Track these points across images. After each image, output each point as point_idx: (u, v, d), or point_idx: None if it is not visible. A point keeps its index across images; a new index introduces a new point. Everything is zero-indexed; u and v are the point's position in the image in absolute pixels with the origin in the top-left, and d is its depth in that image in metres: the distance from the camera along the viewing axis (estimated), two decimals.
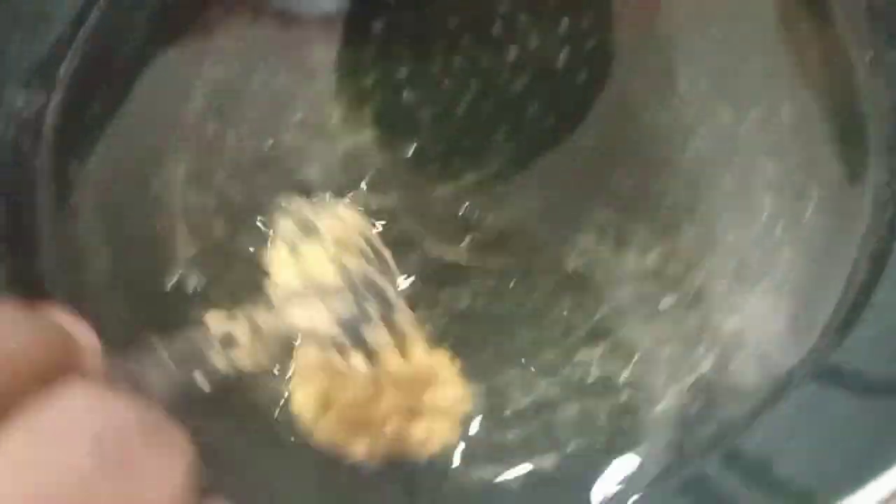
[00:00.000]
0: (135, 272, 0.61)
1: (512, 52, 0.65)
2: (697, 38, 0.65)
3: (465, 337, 0.58)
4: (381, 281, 0.49)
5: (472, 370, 0.56)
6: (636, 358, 0.57)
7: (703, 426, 0.56)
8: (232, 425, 0.56)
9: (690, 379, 0.57)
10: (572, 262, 0.59)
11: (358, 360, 0.48)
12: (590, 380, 0.57)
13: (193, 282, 0.60)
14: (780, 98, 0.63)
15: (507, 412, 0.56)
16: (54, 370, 0.28)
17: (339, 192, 0.61)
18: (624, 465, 0.55)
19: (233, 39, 0.66)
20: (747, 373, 0.57)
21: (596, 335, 0.58)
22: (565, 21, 0.66)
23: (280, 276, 0.48)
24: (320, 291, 0.47)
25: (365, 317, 0.47)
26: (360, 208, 0.60)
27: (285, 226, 0.50)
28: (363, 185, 0.61)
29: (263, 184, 0.62)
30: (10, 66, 0.64)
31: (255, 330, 0.43)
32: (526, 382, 0.57)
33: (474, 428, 0.56)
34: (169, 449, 0.28)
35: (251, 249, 0.60)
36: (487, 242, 0.60)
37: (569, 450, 0.55)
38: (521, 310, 0.59)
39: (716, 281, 0.59)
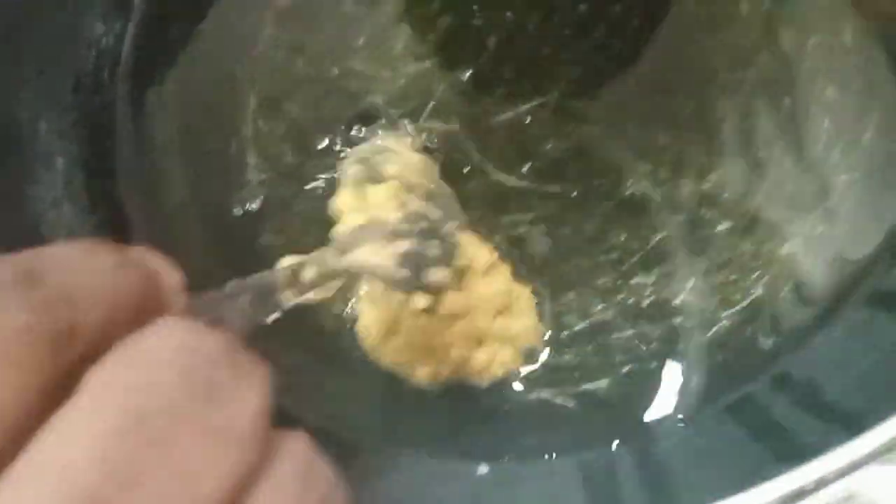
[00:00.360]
0: (209, 196, 0.63)
1: None
2: None
3: (523, 260, 0.59)
4: (445, 223, 0.50)
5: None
6: (690, 284, 0.59)
7: (754, 349, 0.57)
8: (299, 346, 0.59)
9: (743, 304, 0.58)
10: (630, 188, 0.61)
11: (420, 299, 0.50)
12: (644, 304, 0.59)
13: (263, 206, 0.62)
14: (842, 21, 0.63)
15: (564, 335, 0.58)
16: (145, 308, 0.31)
17: (404, 118, 0.63)
18: (675, 388, 0.57)
19: None
20: (800, 297, 0.58)
21: (651, 260, 0.59)
22: None
23: (347, 217, 0.50)
24: (385, 232, 0.48)
25: (427, 258, 0.49)
26: (423, 134, 0.62)
27: (354, 170, 0.52)
28: (427, 112, 0.63)
29: (330, 110, 0.64)
30: None
31: (324, 270, 0.45)
32: (582, 306, 0.59)
33: (542, 358, 0.58)
34: (251, 379, 0.30)
35: (321, 183, 0.62)
36: (547, 168, 0.62)
37: (623, 372, 0.57)
38: (578, 235, 0.60)
39: (771, 206, 0.60)
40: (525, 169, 0.61)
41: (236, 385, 0.29)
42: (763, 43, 0.63)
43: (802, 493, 0.42)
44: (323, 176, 0.62)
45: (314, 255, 0.46)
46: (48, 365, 0.26)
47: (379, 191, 0.51)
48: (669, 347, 0.58)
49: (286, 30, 0.66)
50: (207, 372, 0.28)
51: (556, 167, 0.61)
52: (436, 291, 0.50)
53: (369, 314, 0.57)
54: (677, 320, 0.58)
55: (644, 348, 0.58)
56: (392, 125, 0.62)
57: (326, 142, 0.63)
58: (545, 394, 0.57)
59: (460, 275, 0.52)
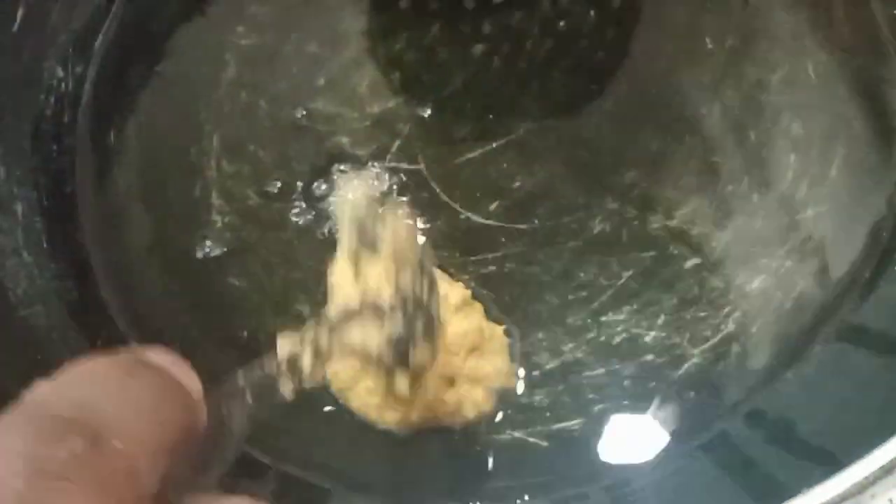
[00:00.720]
0: (172, 240, 0.62)
1: (540, 13, 0.65)
2: None
3: (493, 300, 0.59)
4: (430, 298, 0.49)
5: None
6: (661, 320, 0.58)
7: (726, 386, 0.57)
8: None
9: (714, 340, 0.58)
10: (599, 225, 0.60)
11: (402, 381, 0.49)
12: (615, 342, 0.58)
13: (227, 249, 0.62)
14: (805, 56, 0.64)
15: (535, 374, 0.58)
16: (181, 431, 0.31)
17: (370, 158, 0.62)
18: (648, 426, 0.56)
19: (265, 7, 0.67)
20: (771, 333, 0.58)
21: (621, 297, 0.59)
22: None
23: (340, 293, 0.49)
24: (376, 310, 0.48)
25: (413, 337, 0.48)
26: (387, 174, 0.62)
27: (352, 238, 0.51)
28: (393, 151, 0.62)
29: (295, 151, 0.63)
30: (49, 39, 0.65)
31: (318, 353, 0.44)
32: (553, 345, 0.58)
33: (514, 398, 0.57)
34: None
35: (287, 224, 0.61)
36: (515, 206, 0.61)
37: (595, 410, 0.57)
38: (548, 273, 0.60)
39: (740, 242, 0.60)
40: (493, 207, 0.61)
41: None
42: (728, 78, 0.63)
43: None
44: (292, 217, 0.62)
45: (308, 334, 0.45)
46: None
47: (375, 265, 0.50)
48: (641, 385, 0.57)
49: (249, 71, 0.65)
50: None
51: (524, 205, 0.61)
52: (419, 371, 0.49)
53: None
54: (648, 358, 0.58)
55: (616, 387, 0.57)
56: (358, 166, 0.62)
57: (291, 183, 0.62)
58: (517, 434, 0.56)
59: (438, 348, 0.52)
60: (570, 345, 0.58)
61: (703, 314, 0.58)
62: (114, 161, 0.64)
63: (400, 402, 0.54)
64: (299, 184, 0.62)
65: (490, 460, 0.56)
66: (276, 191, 0.62)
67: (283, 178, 0.63)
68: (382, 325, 0.47)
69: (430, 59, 0.65)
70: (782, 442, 0.54)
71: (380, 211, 0.50)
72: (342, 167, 0.62)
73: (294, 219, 0.62)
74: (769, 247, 0.60)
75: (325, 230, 0.61)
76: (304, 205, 0.62)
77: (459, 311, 0.56)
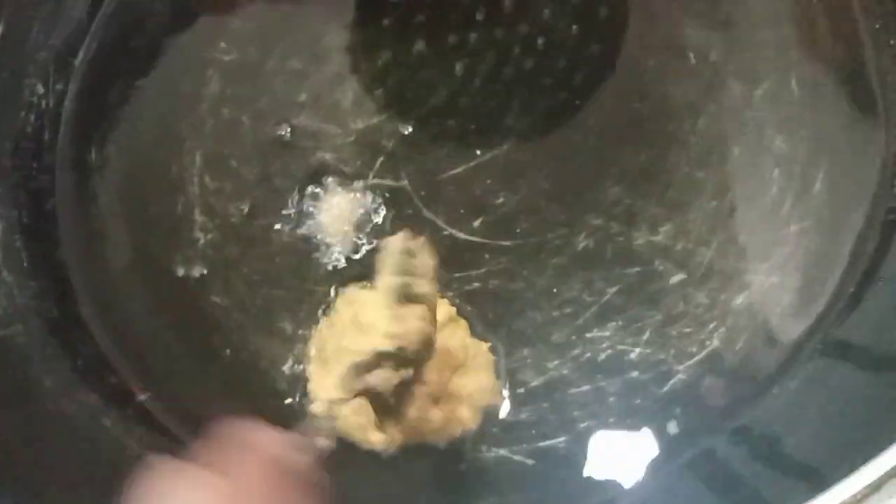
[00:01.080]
0: (154, 257, 0.62)
1: (523, 29, 0.65)
2: (707, 12, 0.65)
3: (477, 317, 0.59)
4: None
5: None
6: (646, 336, 0.58)
7: (712, 403, 0.57)
8: (250, 410, 0.58)
9: (700, 356, 0.58)
10: (583, 241, 0.60)
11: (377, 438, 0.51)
12: (600, 358, 0.58)
13: (210, 266, 0.61)
14: (789, 71, 0.63)
15: (521, 391, 0.57)
16: None
17: (353, 174, 0.62)
18: (634, 443, 0.56)
19: (247, 23, 0.67)
20: (756, 348, 0.58)
21: (606, 314, 0.59)
22: None
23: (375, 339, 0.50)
24: (400, 361, 0.50)
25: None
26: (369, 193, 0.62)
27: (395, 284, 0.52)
28: (377, 167, 0.62)
29: (279, 167, 0.63)
30: (30, 55, 0.64)
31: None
32: (538, 362, 0.58)
33: (499, 415, 0.57)
34: None
35: (269, 241, 0.61)
36: (498, 222, 0.61)
37: (580, 427, 0.56)
38: (532, 290, 0.59)
39: (724, 257, 0.60)
40: (476, 223, 0.61)
41: None
42: (711, 93, 0.63)
43: None
44: (275, 234, 0.61)
45: (342, 382, 0.50)
46: None
47: (413, 313, 0.51)
48: (626, 402, 0.57)
49: (231, 87, 0.65)
50: None
51: (508, 221, 0.61)
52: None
53: (319, 377, 0.56)
54: (633, 374, 0.57)
55: (601, 403, 0.57)
56: (341, 182, 0.62)
57: (274, 200, 0.62)
58: (503, 452, 0.56)
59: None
60: (556, 361, 0.58)
61: (688, 330, 0.58)
62: (95, 178, 0.64)
63: (385, 420, 0.54)
64: (282, 200, 0.62)
65: (476, 478, 0.56)
66: (258, 207, 0.62)
67: (266, 194, 0.62)
68: (398, 371, 0.50)
69: (413, 75, 0.65)
70: (768, 458, 0.54)
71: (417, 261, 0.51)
72: (326, 183, 0.62)
73: (277, 236, 0.61)
74: (753, 262, 0.60)
75: (309, 247, 0.61)
76: (287, 221, 0.61)
77: (444, 329, 0.56)
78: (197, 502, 0.35)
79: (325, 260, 0.60)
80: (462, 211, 0.61)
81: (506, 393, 0.57)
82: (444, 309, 0.57)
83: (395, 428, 0.54)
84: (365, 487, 0.57)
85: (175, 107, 0.65)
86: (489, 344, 0.58)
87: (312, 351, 0.58)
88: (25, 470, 0.53)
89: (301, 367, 0.58)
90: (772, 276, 0.59)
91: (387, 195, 0.62)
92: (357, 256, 0.60)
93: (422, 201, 0.61)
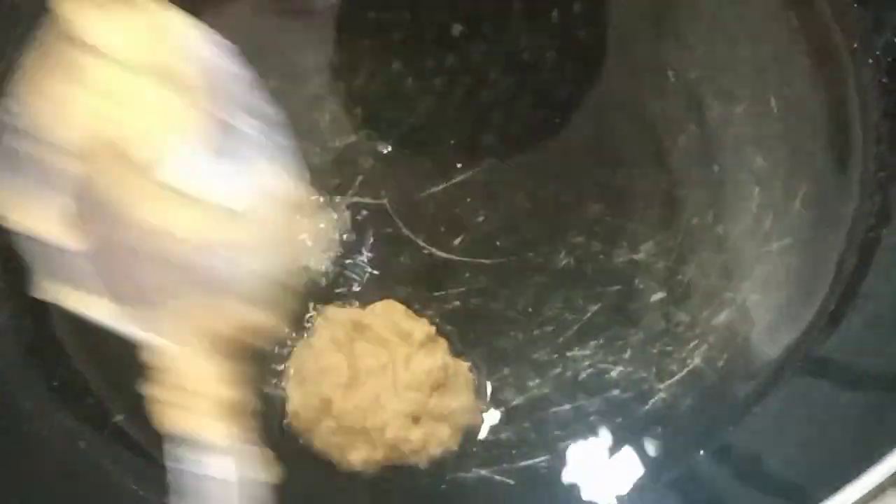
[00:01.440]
0: None
1: (502, 48, 0.65)
2: (687, 30, 0.65)
3: (457, 336, 0.58)
4: None
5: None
6: (627, 354, 0.58)
7: (694, 422, 0.57)
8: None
9: (681, 374, 0.57)
10: (563, 259, 0.60)
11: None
12: (581, 377, 0.57)
13: None
14: (768, 89, 0.64)
15: (501, 411, 0.57)
16: None
17: (332, 194, 0.62)
18: (615, 462, 0.56)
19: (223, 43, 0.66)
20: (737, 367, 0.58)
21: (587, 332, 0.59)
22: (555, 14, 0.66)
23: None
24: None
25: None
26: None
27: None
28: (355, 186, 0.62)
29: None
30: (3, 76, 0.64)
31: None
32: (519, 381, 0.57)
33: (480, 435, 0.57)
34: None
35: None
36: (478, 241, 0.61)
37: (561, 447, 0.56)
38: (512, 308, 0.59)
39: (705, 275, 0.60)
40: (456, 242, 0.61)
41: None
42: (691, 112, 0.63)
43: None
44: None
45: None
46: None
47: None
48: (608, 421, 0.57)
49: None
50: None
51: (488, 240, 0.61)
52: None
53: (298, 397, 0.55)
54: (615, 393, 0.57)
55: (582, 423, 0.56)
56: (320, 201, 0.61)
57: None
58: (484, 472, 0.55)
59: None
60: (536, 380, 0.57)
61: (669, 348, 0.58)
62: None
63: (364, 440, 0.53)
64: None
65: (457, 499, 0.55)
66: None
67: None
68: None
69: (391, 93, 0.65)
70: (751, 477, 0.54)
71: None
72: (304, 203, 0.62)
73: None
74: (734, 280, 0.60)
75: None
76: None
77: (423, 348, 0.55)
78: None
79: (304, 280, 0.60)
80: (442, 229, 0.61)
81: (486, 412, 0.57)
82: (423, 328, 0.56)
83: (374, 448, 0.54)
84: None
85: None
86: (469, 363, 0.57)
87: (291, 371, 0.57)
88: (1, 493, 0.52)
89: (279, 387, 0.57)
90: (752, 294, 0.59)
91: (366, 214, 0.61)
92: (335, 276, 0.60)
93: (401, 220, 0.61)
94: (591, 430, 0.56)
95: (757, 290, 0.59)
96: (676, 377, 0.57)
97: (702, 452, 0.56)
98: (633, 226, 0.61)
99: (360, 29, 0.66)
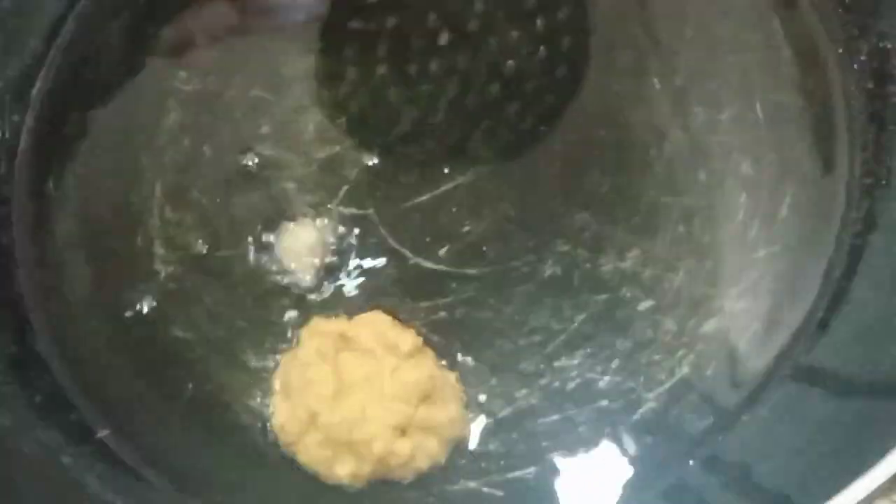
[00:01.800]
0: (114, 291, 0.61)
1: (487, 56, 0.65)
2: (671, 37, 0.65)
3: (444, 346, 0.58)
4: None
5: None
6: (615, 364, 0.58)
7: (682, 431, 0.56)
8: (213, 444, 0.57)
9: (669, 383, 0.57)
10: (550, 268, 0.60)
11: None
12: (569, 387, 0.57)
13: (171, 299, 0.60)
14: (753, 96, 0.63)
15: (489, 422, 0.57)
16: None
17: (317, 204, 0.61)
18: (604, 473, 0.56)
19: (207, 53, 0.66)
20: (726, 375, 0.58)
21: (575, 342, 0.58)
22: (540, 22, 0.66)
23: None
24: None
25: None
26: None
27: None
28: (340, 197, 0.61)
29: (240, 197, 0.62)
30: None
31: None
32: (506, 392, 0.57)
33: (467, 447, 0.56)
34: None
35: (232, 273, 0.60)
36: (465, 251, 0.60)
37: (550, 458, 0.56)
38: (499, 318, 0.59)
39: (693, 283, 0.59)
40: (442, 252, 0.60)
41: None
42: (676, 118, 0.63)
43: None
44: (237, 265, 0.61)
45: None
46: None
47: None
48: (596, 431, 0.56)
49: (191, 116, 0.64)
50: None
51: (474, 249, 0.60)
52: None
53: (284, 409, 0.55)
54: (603, 403, 0.57)
55: (571, 433, 0.56)
56: (305, 212, 0.61)
57: (236, 231, 0.61)
58: (472, 484, 0.55)
59: None
60: (524, 391, 0.57)
61: (657, 357, 0.58)
62: (52, 210, 0.63)
63: (351, 453, 0.53)
64: (244, 231, 0.61)
65: None
66: (220, 239, 0.61)
67: (228, 225, 0.61)
68: None
69: (376, 103, 0.64)
70: (740, 486, 0.54)
71: None
72: (289, 213, 0.61)
73: (239, 267, 0.61)
74: (722, 287, 0.59)
75: (272, 278, 0.60)
76: (249, 253, 0.60)
77: (411, 359, 0.55)
78: None
79: (289, 291, 0.60)
80: (428, 239, 0.61)
81: (474, 424, 0.56)
82: (410, 339, 0.56)
83: (361, 461, 0.53)
84: None
85: (134, 138, 0.64)
86: (456, 374, 0.57)
87: (276, 383, 0.57)
88: None
89: (265, 399, 0.57)
90: (740, 301, 0.59)
91: (351, 224, 0.61)
92: (321, 287, 0.60)
93: (387, 230, 0.61)
94: (580, 441, 0.56)
95: (744, 297, 0.59)
96: (665, 386, 0.57)
97: (691, 462, 0.56)
98: (619, 234, 0.60)
99: (344, 38, 0.66)
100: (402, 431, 0.54)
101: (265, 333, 0.59)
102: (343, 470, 0.53)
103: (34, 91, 0.65)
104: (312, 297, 0.59)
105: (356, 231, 0.61)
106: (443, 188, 0.62)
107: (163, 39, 0.67)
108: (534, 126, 0.64)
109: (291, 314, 0.59)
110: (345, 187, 0.62)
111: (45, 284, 0.61)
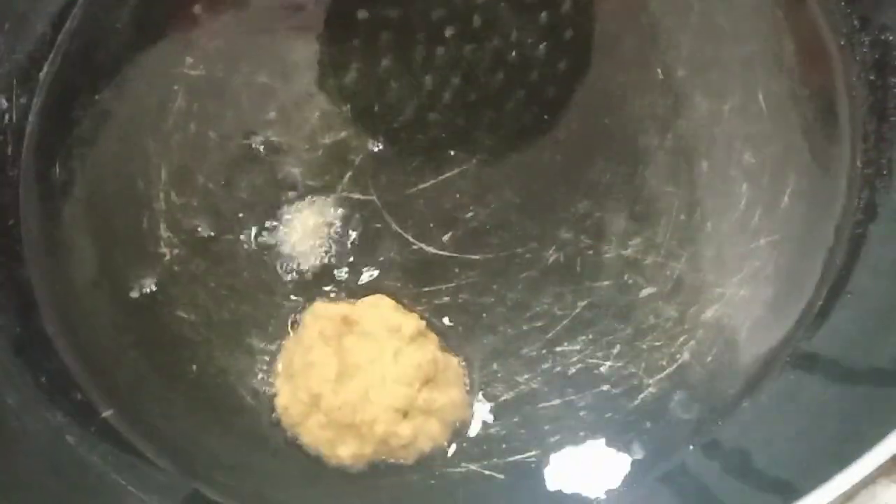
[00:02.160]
0: (119, 273, 0.61)
1: (492, 45, 0.65)
2: (675, 28, 0.65)
3: (446, 330, 0.58)
4: None
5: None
6: (616, 350, 0.58)
7: (683, 416, 0.57)
8: (216, 426, 0.58)
9: (670, 369, 0.57)
10: (552, 255, 0.60)
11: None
12: (571, 372, 0.57)
13: (176, 282, 0.61)
14: (756, 87, 0.64)
15: (491, 406, 0.57)
16: None
17: (321, 189, 0.62)
18: (605, 457, 0.56)
19: (214, 39, 0.66)
20: (726, 362, 0.58)
21: (577, 327, 0.58)
22: (544, 13, 0.66)
23: None
24: None
25: None
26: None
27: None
28: (345, 182, 0.62)
29: (245, 182, 0.62)
30: None
31: None
32: (508, 376, 0.57)
33: (469, 430, 0.57)
34: None
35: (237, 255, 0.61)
36: (468, 237, 0.61)
37: (551, 441, 0.56)
38: (502, 304, 0.59)
39: (694, 271, 0.60)
40: (446, 238, 0.61)
41: None
42: (679, 109, 0.63)
43: None
44: (242, 249, 0.61)
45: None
46: None
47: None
48: (597, 416, 0.57)
49: (198, 102, 0.65)
50: None
51: (477, 235, 0.61)
52: None
53: (287, 392, 0.55)
54: (604, 388, 0.57)
55: (572, 417, 0.56)
56: (309, 197, 0.61)
57: (241, 214, 0.61)
58: (473, 467, 0.55)
59: None
60: (526, 375, 0.57)
61: (658, 344, 0.58)
62: (59, 193, 0.63)
63: (354, 435, 0.54)
64: (249, 215, 0.62)
65: (447, 493, 0.55)
66: (225, 222, 0.62)
67: (233, 209, 0.62)
68: None
69: (381, 90, 0.65)
70: (739, 472, 0.54)
71: None
72: (293, 198, 0.62)
73: (244, 251, 0.61)
74: (723, 276, 0.60)
75: (276, 262, 0.60)
76: (254, 236, 0.61)
77: (413, 342, 0.55)
78: None
79: (293, 275, 0.60)
80: (431, 225, 0.61)
81: (476, 407, 0.57)
82: (414, 323, 0.56)
83: (363, 443, 0.53)
84: (334, 502, 0.56)
85: (141, 122, 0.65)
86: (459, 358, 0.57)
87: (280, 366, 0.57)
88: None
89: (268, 382, 0.57)
90: (741, 289, 0.59)
91: (355, 209, 0.61)
92: (325, 271, 0.60)
93: (391, 216, 0.61)
94: (581, 425, 0.56)
95: (745, 285, 0.59)
96: (665, 372, 0.57)
97: (691, 447, 0.56)
98: (622, 222, 0.61)
99: (350, 26, 0.66)
100: (405, 414, 0.54)
101: (269, 316, 0.59)
102: (345, 451, 0.54)
103: (42, 75, 0.66)
104: (316, 280, 0.60)
105: (360, 216, 0.61)
106: (447, 175, 0.62)
107: (170, 25, 0.67)
108: (538, 115, 0.64)
109: (295, 297, 0.59)
110: (349, 173, 0.62)
111: (51, 266, 0.62)
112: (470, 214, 0.61)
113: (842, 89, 0.64)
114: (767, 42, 0.65)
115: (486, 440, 0.56)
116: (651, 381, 0.57)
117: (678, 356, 0.58)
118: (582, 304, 0.59)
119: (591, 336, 0.58)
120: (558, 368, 0.58)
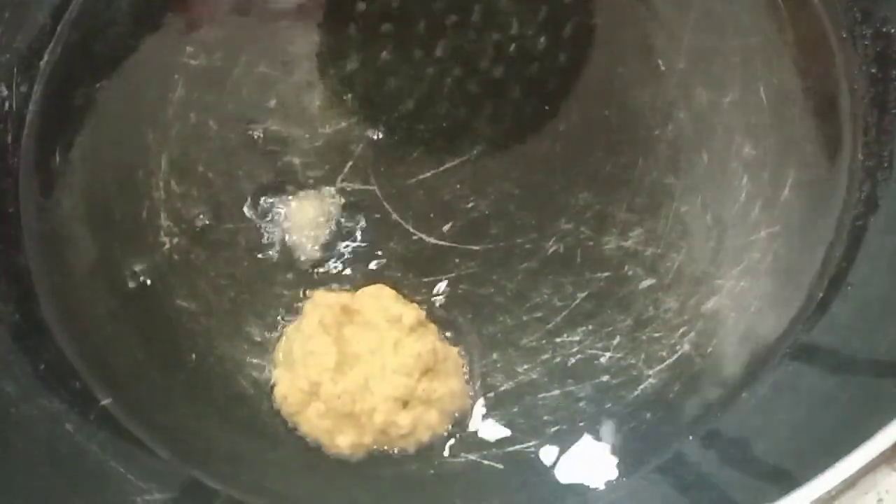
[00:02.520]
0: (118, 262, 0.61)
1: (493, 36, 0.65)
2: (675, 19, 0.65)
3: (446, 321, 0.58)
4: None
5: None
6: (616, 341, 0.58)
7: (682, 407, 0.57)
8: (215, 414, 0.58)
9: (670, 360, 0.57)
10: (553, 246, 0.60)
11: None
12: (570, 363, 0.57)
13: (175, 271, 0.61)
14: (757, 79, 0.64)
15: (490, 396, 0.57)
16: None
17: (321, 179, 0.62)
18: (604, 447, 0.56)
19: (214, 29, 0.66)
20: (726, 353, 0.58)
21: (577, 318, 0.58)
22: (545, 4, 0.66)
23: None
24: None
25: None
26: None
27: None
28: (345, 172, 0.62)
29: (245, 171, 0.62)
30: None
31: None
32: (508, 366, 0.57)
33: (468, 420, 0.57)
34: None
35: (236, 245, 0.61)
36: (468, 227, 0.61)
37: (550, 432, 0.56)
38: (502, 294, 0.59)
39: (694, 262, 0.60)
40: (446, 228, 0.61)
41: None
42: (680, 100, 0.63)
43: None
44: (241, 238, 0.61)
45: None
46: None
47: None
48: (597, 407, 0.57)
49: (198, 91, 0.65)
50: None
51: (478, 226, 0.61)
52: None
53: (286, 381, 0.55)
54: (604, 379, 0.57)
55: (571, 408, 0.56)
56: (309, 187, 0.61)
57: (241, 204, 0.61)
58: (472, 457, 0.55)
59: None
60: (525, 366, 0.57)
61: (658, 335, 0.58)
62: (58, 182, 0.63)
63: (353, 424, 0.54)
64: (249, 205, 0.61)
65: (446, 484, 0.55)
66: (225, 212, 0.62)
67: (233, 198, 0.62)
68: None
69: (381, 80, 0.65)
70: (739, 462, 0.54)
71: None
72: (293, 188, 0.61)
73: (243, 240, 0.61)
74: (723, 267, 0.60)
75: (276, 251, 0.60)
76: (254, 226, 0.61)
77: (413, 333, 0.55)
78: None
79: (293, 264, 0.60)
80: (431, 216, 0.61)
81: (475, 397, 0.57)
82: (413, 313, 0.56)
83: (363, 432, 0.53)
84: (331, 494, 0.56)
85: (141, 111, 0.64)
86: (459, 348, 0.57)
87: (279, 355, 0.57)
88: None
89: (268, 371, 0.57)
90: (741, 281, 0.59)
91: (356, 199, 0.61)
92: (325, 260, 0.60)
93: (391, 206, 0.61)
94: (580, 416, 0.56)
95: (745, 276, 0.59)
96: (665, 363, 0.57)
97: (690, 437, 0.56)
98: (621, 213, 0.61)
99: (351, 16, 0.66)
100: (404, 404, 0.54)
101: (268, 306, 0.59)
102: (344, 441, 0.54)
103: (42, 64, 0.66)
104: (316, 270, 0.60)
105: (360, 206, 0.61)
106: (447, 165, 0.62)
107: (170, 15, 0.67)
108: (538, 106, 0.64)
109: (295, 287, 0.59)
110: (349, 163, 0.62)
111: (50, 254, 0.62)
112: (470, 205, 0.61)
113: (843, 82, 0.64)
114: (768, 34, 0.65)
115: (486, 430, 0.56)
116: (651, 372, 0.57)
117: (678, 347, 0.58)
118: (582, 294, 0.59)
119: (590, 327, 0.58)
120: (558, 359, 0.58)
